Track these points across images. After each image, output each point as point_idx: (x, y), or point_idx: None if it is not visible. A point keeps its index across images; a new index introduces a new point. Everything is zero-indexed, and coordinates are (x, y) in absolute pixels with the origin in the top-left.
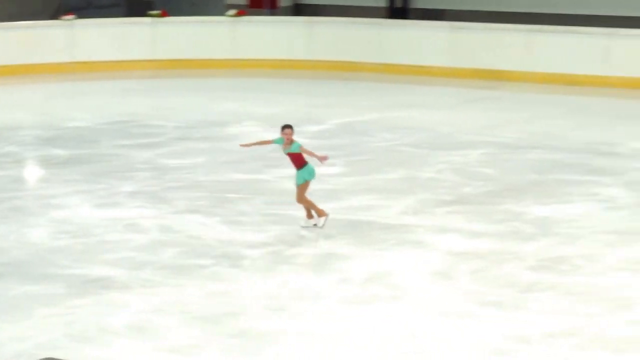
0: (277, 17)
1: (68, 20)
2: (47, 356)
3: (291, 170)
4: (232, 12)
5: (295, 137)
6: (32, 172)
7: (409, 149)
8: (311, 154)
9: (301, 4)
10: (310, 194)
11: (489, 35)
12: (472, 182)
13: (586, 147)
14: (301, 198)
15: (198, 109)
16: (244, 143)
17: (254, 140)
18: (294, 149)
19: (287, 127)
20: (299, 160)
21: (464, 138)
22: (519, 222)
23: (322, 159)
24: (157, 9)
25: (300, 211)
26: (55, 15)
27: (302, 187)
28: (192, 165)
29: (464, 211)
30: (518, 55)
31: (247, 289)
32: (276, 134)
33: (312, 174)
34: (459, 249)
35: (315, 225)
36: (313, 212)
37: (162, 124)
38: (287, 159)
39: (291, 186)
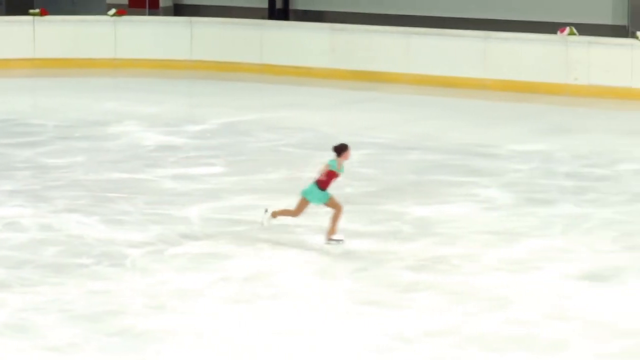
0: (158, 17)
1: None
2: None
3: (171, 170)
4: (113, 11)
5: (173, 137)
6: None
7: (291, 149)
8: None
9: (181, 5)
10: (190, 193)
11: (368, 37)
12: (352, 182)
13: (464, 149)
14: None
15: (79, 108)
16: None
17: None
18: (342, 169)
19: (348, 147)
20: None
21: (344, 139)
22: (399, 222)
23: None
24: (37, 8)
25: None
26: None
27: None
28: (72, 164)
29: (345, 211)
30: (396, 57)
31: (127, 288)
32: (159, 134)
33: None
34: (339, 249)
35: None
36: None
37: (43, 122)
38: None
39: (172, 185)
